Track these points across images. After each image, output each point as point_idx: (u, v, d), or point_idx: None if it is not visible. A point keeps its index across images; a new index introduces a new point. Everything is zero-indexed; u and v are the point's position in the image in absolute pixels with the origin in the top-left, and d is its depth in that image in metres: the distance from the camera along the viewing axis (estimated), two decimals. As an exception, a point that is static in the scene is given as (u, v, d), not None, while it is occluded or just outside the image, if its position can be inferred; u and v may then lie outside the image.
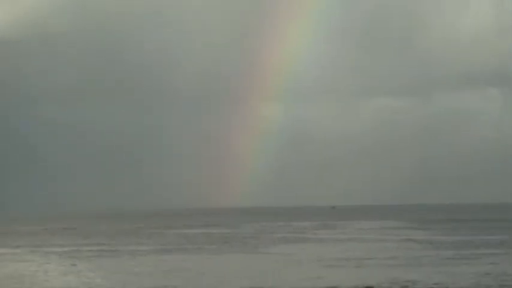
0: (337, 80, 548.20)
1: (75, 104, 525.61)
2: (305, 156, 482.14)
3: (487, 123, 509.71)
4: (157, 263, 74.18)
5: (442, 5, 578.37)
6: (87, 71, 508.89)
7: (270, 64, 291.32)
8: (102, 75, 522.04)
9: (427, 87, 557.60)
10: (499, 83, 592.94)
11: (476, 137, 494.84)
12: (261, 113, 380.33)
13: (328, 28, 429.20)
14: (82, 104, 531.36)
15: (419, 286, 50.39)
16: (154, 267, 68.76)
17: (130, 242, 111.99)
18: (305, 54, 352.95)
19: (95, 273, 64.91)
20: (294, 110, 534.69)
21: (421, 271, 60.89)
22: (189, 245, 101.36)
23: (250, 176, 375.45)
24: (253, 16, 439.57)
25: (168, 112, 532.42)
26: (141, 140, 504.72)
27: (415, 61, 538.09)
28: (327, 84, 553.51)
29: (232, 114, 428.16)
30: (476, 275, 57.65)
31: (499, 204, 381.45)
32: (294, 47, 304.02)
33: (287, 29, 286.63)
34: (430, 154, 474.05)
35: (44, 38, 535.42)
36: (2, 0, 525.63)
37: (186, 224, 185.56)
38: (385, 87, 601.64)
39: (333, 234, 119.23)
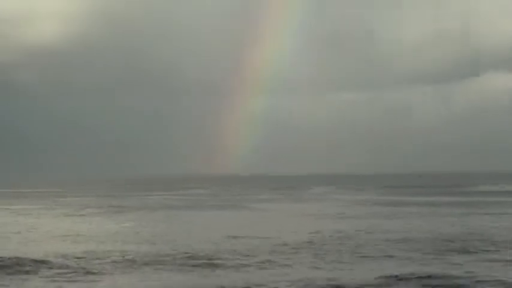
0: (308, 77, 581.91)
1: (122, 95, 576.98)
2: (282, 139, 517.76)
3: (425, 112, 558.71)
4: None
5: (393, 17, 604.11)
6: (124, 70, 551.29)
7: (254, 63, 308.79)
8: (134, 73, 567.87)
9: (381, 84, 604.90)
10: (434, 82, 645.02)
11: (416, 124, 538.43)
12: (248, 104, 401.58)
13: (303, 33, 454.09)
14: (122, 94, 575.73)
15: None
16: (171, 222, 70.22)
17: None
18: (283, 55, 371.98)
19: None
20: (274, 102, 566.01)
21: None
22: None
23: (239, 153, 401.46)
24: (241, 28, 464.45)
25: (177, 102, 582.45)
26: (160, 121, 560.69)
27: (372, 62, 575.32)
28: (301, 80, 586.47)
29: (223, 105, 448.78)
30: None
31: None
32: (274, 50, 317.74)
33: (268, 34, 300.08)
34: (383, 137, 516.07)
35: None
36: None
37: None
38: (348, 84, 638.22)
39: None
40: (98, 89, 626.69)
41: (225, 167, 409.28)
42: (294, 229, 58.26)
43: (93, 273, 35.02)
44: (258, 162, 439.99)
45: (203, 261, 38.36)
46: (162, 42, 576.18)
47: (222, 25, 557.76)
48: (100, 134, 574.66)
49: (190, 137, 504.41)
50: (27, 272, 35.20)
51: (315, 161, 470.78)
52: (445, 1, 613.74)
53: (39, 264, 37.00)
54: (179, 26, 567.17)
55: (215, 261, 38.46)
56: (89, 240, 50.65)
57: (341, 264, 37.95)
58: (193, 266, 37.41)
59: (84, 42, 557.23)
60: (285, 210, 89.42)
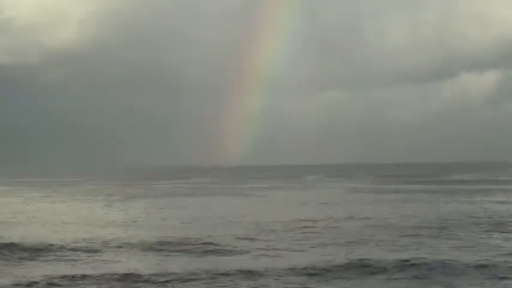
0: (301, 78, 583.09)
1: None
2: (278, 133, 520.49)
3: (405, 109, 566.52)
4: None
5: (378, 24, 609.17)
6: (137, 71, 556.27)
7: (252, 66, 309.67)
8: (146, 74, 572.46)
9: (366, 84, 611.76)
10: (414, 82, 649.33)
11: (398, 119, 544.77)
12: (246, 103, 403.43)
13: (296, 39, 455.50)
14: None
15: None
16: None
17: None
18: (278, 59, 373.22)
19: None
20: (270, 101, 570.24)
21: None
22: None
23: (239, 147, 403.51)
24: (240, 33, 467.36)
25: (182, 101, 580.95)
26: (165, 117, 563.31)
27: (358, 65, 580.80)
28: (294, 81, 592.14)
29: (225, 103, 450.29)
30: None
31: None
32: (269, 53, 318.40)
33: (264, 40, 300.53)
34: (368, 131, 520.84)
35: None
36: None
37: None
38: (336, 84, 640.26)
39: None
40: (114, 86, 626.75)
41: (227, 158, 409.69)
42: (285, 214, 57.48)
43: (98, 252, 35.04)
44: (256, 154, 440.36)
45: (200, 246, 37.45)
46: (168, 47, 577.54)
47: (224, 33, 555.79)
48: (114, 126, 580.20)
49: (196, 131, 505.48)
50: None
51: (307, 152, 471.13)
52: (424, 10, 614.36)
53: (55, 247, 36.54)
54: (184, 30, 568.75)
55: (210, 246, 37.68)
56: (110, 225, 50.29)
57: (324, 248, 37.08)
58: (191, 250, 36.58)
59: (100, 46, 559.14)
60: (282, 196, 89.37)
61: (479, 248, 36.35)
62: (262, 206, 71.56)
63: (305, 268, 29.85)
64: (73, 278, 27.47)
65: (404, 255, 33.12)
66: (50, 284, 26.26)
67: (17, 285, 26.10)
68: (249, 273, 28.71)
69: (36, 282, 26.51)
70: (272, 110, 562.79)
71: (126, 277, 27.68)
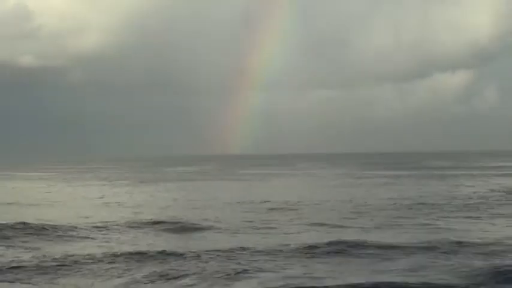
0: (294, 77, 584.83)
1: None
2: (273, 126, 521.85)
3: (386, 104, 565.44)
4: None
5: (362, 28, 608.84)
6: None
7: (252, 65, 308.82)
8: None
9: (351, 83, 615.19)
10: (393, 81, 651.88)
11: (379, 114, 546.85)
12: (248, 99, 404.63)
13: (290, 41, 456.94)
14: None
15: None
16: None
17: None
18: (275, 58, 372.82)
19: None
20: (267, 97, 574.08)
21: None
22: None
23: (242, 139, 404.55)
24: (243, 37, 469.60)
25: (193, 98, 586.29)
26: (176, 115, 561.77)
27: (344, 65, 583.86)
28: (287, 80, 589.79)
29: (229, 100, 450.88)
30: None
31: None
32: (268, 54, 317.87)
33: (263, 42, 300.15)
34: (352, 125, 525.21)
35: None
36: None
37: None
38: (324, 82, 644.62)
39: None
40: (131, 87, 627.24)
41: (228, 148, 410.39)
42: (280, 197, 56.43)
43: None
44: (255, 144, 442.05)
45: (193, 225, 36.41)
46: (181, 50, 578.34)
47: (229, 37, 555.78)
48: (134, 119, 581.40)
49: (205, 124, 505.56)
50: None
51: (298, 143, 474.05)
52: (404, 18, 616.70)
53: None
54: (196, 35, 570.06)
55: (203, 224, 36.88)
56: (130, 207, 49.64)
57: (309, 230, 35.20)
58: (186, 228, 35.67)
59: (119, 50, 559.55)
60: (277, 181, 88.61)
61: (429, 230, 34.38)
62: (261, 189, 70.39)
63: (288, 245, 28.82)
64: (92, 256, 26.71)
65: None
66: (75, 262, 25.51)
67: (43, 261, 25.61)
68: (242, 249, 27.77)
69: (60, 259, 26.01)
70: (268, 105, 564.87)
71: (141, 254, 26.90)
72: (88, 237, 32.81)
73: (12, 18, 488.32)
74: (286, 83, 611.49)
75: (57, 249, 28.70)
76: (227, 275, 22.85)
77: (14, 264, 25.02)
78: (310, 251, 27.39)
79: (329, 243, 28.55)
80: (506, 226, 36.26)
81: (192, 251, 27.27)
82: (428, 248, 27.77)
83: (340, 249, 27.79)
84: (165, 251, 27.32)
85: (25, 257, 26.75)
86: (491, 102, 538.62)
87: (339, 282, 21.72)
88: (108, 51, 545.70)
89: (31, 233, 33.32)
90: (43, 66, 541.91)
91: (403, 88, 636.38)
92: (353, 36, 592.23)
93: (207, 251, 27.26)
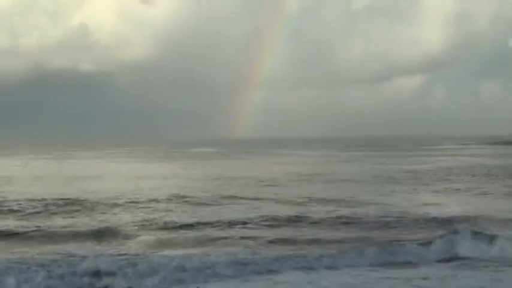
0: (288, 77, 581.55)
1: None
2: (271, 118, 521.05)
3: (361, 100, 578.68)
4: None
5: (342, 42, 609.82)
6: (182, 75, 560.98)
7: (255, 66, 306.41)
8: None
9: (335, 83, 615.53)
10: (365, 83, 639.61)
11: (354, 109, 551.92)
12: (251, 97, 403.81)
13: (286, 46, 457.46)
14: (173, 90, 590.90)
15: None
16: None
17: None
18: (274, 60, 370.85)
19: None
20: (266, 95, 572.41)
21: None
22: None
23: (248, 125, 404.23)
24: (246, 39, 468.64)
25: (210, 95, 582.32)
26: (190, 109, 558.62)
27: (328, 69, 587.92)
28: (282, 80, 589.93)
29: (236, 98, 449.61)
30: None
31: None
32: (268, 56, 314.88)
33: (265, 45, 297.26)
34: (335, 117, 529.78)
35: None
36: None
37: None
38: (313, 83, 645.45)
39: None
40: (165, 86, 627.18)
41: (236, 132, 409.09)
42: (268, 174, 52.06)
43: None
44: (256, 129, 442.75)
45: (187, 199, 32.71)
46: (203, 59, 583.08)
47: (239, 51, 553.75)
48: (167, 115, 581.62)
49: (221, 115, 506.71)
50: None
51: (290, 129, 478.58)
52: (373, 34, 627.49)
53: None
54: (214, 48, 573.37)
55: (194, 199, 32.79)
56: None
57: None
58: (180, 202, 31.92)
59: (157, 58, 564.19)
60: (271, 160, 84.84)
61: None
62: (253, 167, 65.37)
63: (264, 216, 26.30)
64: (132, 223, 25.47)
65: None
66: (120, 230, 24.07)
67: (94, 230, 24.35)
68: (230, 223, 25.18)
69: (107, 228, 24.58)
70: (267, 102, 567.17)
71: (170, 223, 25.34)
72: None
73: (76, 35, 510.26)
74: (280, 82, 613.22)
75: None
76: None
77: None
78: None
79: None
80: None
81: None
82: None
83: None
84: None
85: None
86: (440, 99, 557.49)
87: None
88: (147, 60, 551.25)
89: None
90: (98, 72, 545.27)
91: (373, 88, 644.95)
92: (335, 47, 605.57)
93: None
